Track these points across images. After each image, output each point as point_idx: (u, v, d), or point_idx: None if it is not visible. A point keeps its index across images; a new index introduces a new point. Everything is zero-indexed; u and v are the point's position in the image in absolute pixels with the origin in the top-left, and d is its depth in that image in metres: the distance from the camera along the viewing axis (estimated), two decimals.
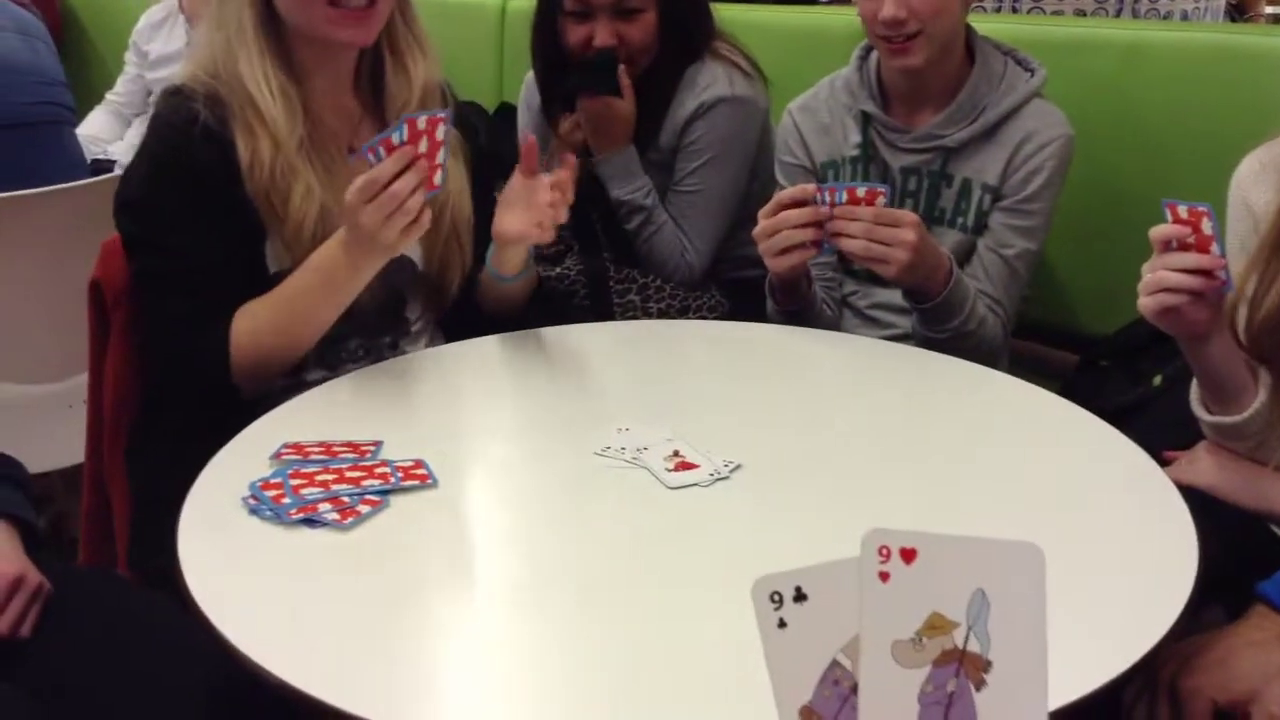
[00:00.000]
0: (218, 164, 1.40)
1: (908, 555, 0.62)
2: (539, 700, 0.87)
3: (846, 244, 1.48)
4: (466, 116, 1.69)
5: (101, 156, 2.96)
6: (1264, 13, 3.88)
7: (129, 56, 3.19)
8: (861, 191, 1.47)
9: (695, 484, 1.14)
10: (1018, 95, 1.70)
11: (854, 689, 0.63)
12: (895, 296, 1.71)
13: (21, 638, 1.13)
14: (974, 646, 0.63)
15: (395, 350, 1.55)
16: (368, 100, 1.55)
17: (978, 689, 0.63)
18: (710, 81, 1.93)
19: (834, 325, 1.76)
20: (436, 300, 1.60)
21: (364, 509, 1.08)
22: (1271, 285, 1.23)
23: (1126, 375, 1.68)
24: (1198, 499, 1.13)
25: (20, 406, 2.07)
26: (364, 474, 1.14)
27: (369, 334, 1.53)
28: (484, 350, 1.52)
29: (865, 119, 1.78)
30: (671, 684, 0.87)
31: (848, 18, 2.11)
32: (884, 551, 0.62)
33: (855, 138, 1.79)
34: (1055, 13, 2.43)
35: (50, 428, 2.02)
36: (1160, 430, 1.35)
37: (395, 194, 1.28)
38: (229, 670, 0.89)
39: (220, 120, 1.41)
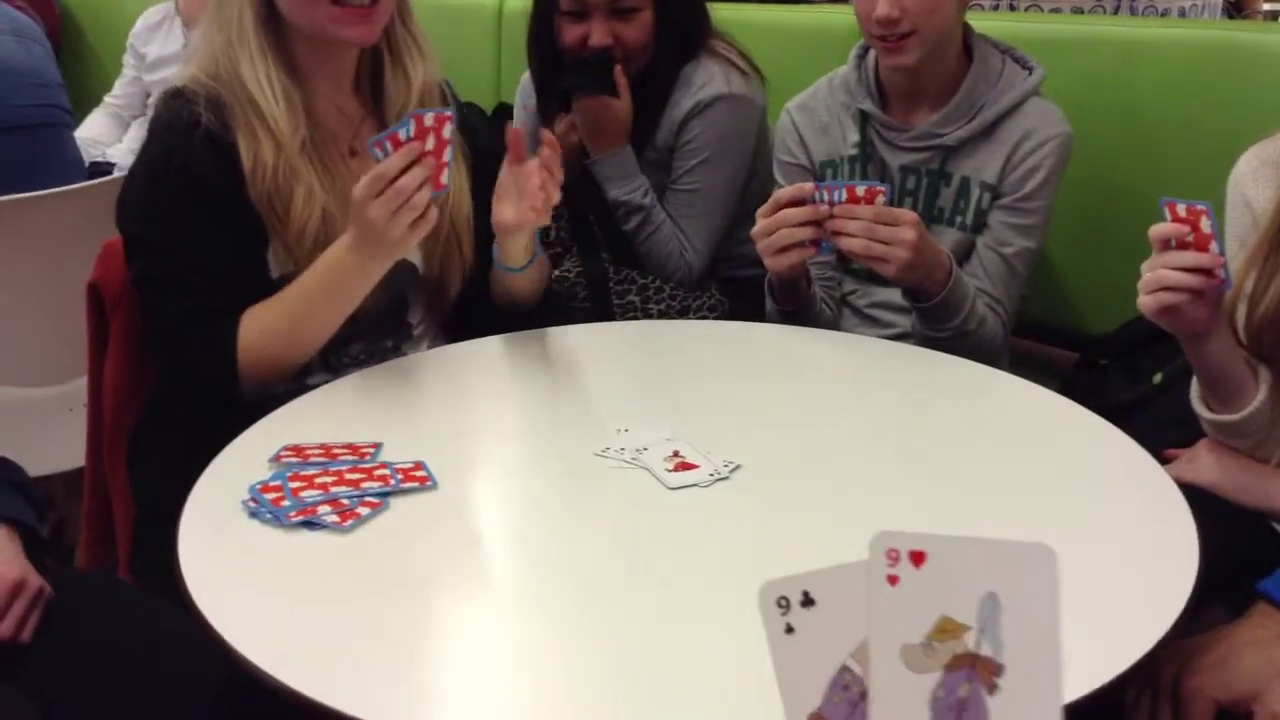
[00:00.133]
0: (220, 169, 1.39)
1: (917, 558, 0.62)
2: (539, 701, 0.86)
3: (846, 243, 1.48)
4: (466, 117, 1.69)
5: (100, 159, 2.96)
6: (1261, 9, 3.89)
7: (127, 59, 3.19)
8: (861, 190, 1.47)
9: (695, 484, 1.14)
10: (1016, 93, 1.70)
11: (864, 695, 0.63)
12: (895, 295, 1.71)
13: (22, 642, 1.13)
14: (986, 650, 0.62)
15: (398, 354, 1.55)
16: (368, 102, 1.55)
17: (990, 693, 0.62)
18: (707, 80, 1.93)
19: (833, 324, 1.76)
20: (438, 303, 1.60)
21: (364, 511, 1.08)
22: (1271, 282, 1.23)
23: (1126, 373, 1.68)
24: (1198, 497, 1.13)
25: (20, 410, 2.07)
26: (363, 476, 1.14)
27: (371, 338, 1.53)
28: (484, 351, 1.52)
29: (864, 118, 1.78)
30: (672, 684, 0.87)
31: (844, 17, 2.11)
32: (893, 554, 0.62)
33: (854, 136, 1.79)
34: (1053, 10, 2.43)
35: (51, 431, 2.02)
36: (1160, 428, 1.35)
37: (402, 189, 1.27)
38: (229, 673, 0.89)
39: (222, 124, 1.40)
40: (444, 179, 1.31)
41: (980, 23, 1.80)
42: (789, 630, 0.63)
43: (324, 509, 1.08)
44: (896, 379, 1.45)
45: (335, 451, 1.19)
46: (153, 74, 3.11)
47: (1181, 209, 1.16)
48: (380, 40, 1.49)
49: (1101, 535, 1.06)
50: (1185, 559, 1.00)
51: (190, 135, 1.39)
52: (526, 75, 2.12)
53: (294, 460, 1.18)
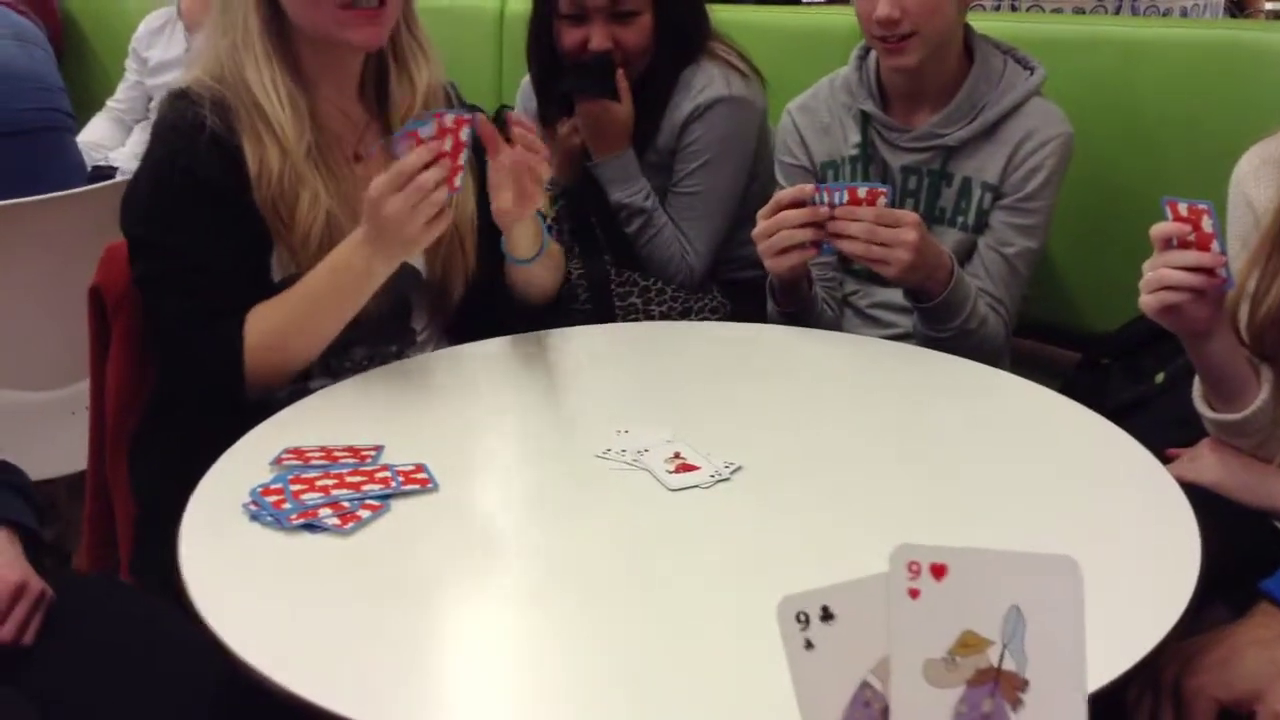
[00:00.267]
0: (225, 172, 1.39)
1: (938, 571, 0.60)
2: (540, 702, 0.86)
3: (847, 245, 1.48)
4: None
5: (102, 163, 2.97)
6: (1263, 8, 3.88)
7: (129, 63, 3.20)
8: (863, 192, 1.46)
9: (696, 486, 1.14)
10: (1017, 94, 1.70)
11: (885, 711, 0.62)
12: (896, 295, 1.71)
13: (24, 645, 1.13)
14: (1009, 665, 0.61)
15: (401, 359, 1.54)
16: (372, 107, 1.55)
17: (1014, 708, 0.61)
18: (707, 83, 1.93)
19: (835, 325, 1.76)
20: (441, 307, 1.59)
21: (364, 514, 1.08)
22: (1273, 282, 1.23)
23: (1128, 373, 1.68)
24: (1200, 497, 1.13)
25: (22, 413, 2.07)
26: (364, 479, 1.14)
27: (374, 342, 1.53)
28: (485, 353, 1.52)
29: (865, 118, 1.78)
30: (672, 685, 0.86)
31: (844, 18, 2.11)
32: (913, 567, 0.60)
33: (855, 137, 1.79)
34: (1054, 10, 2.43)
35: (53, 434, 2.03)
36: (1162, 428, 1.34)
37: (422, 185, 1.27)
38: (231, 676, 0.89)
39: (227, 126, 1.40)
40: (458, 181, 1.31)
41: (981, 23, 1.80)
42: (808, 646, 0.62)
43: (325, 511, 1.08)
44: (898, 380, 1.45)
45: (336, 454, 1.19)
46: (155, 78, 3.11)
47: (1183, 208, 1.16)
48: (386, 45, 1.49)
49: (1103, 535, 1.05)
50: (1187, 559, 0.99)
51: (195, 137, 1.39)
52: (527, 79, 2.12)
53: (295, 463, 1.17)
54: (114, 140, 3.17)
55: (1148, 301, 1.18)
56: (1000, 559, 0.61)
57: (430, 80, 1.53)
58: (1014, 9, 2.47)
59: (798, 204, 1.49)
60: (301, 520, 1.06)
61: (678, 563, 1.03)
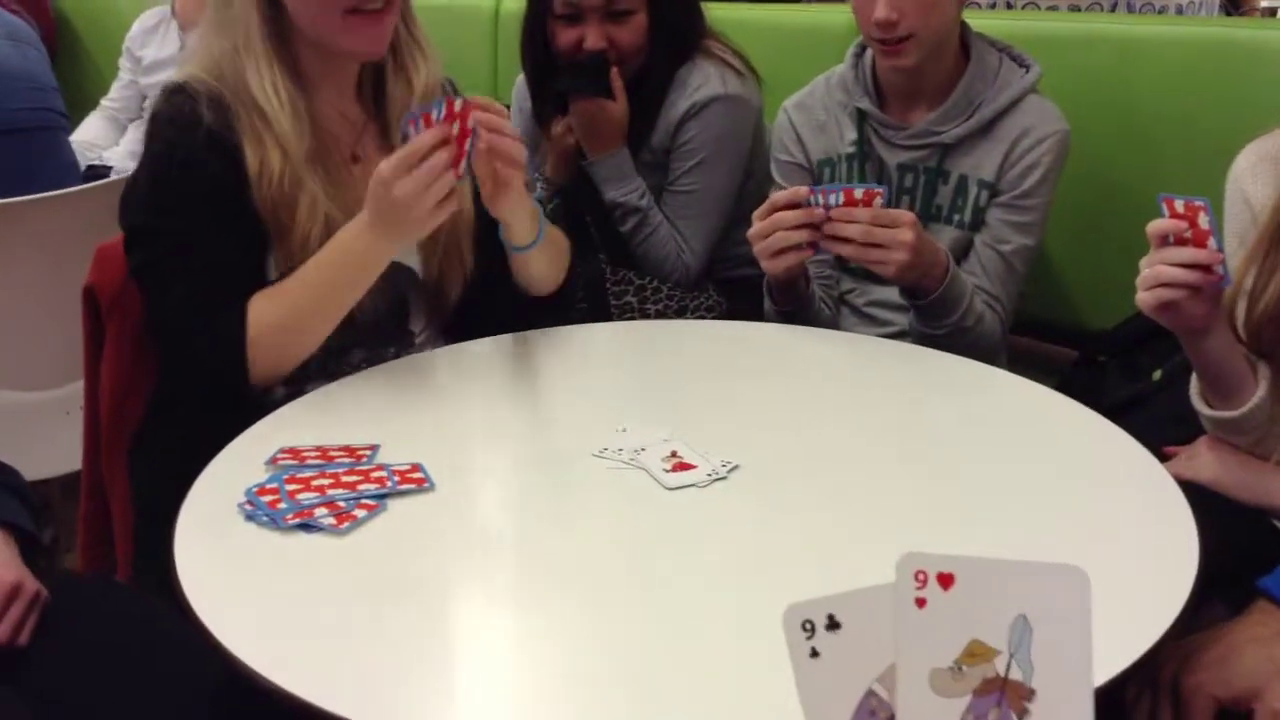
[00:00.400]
0: (224, 169, 1.38)
1: (945, 580, 0.60)
2: (538, 702, 0.86)
3: (843, 248, 1.48)
4: None
5: (96, 162, 2.96)
6: (1259, 6, 3.88)
7: (123, 62, 3.19)
8: (859, 193, 1.46)
9: (693, 485, 1.14)
10: (1013, 91, 1.70)
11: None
12: (893, 294, 1.71)
13: (19, 646, 1.13)
14: (1016, 675, 0.61)
15: None
16: (370, 107, 1.54)
17: (1020, 718, 0.61)
18: (702, 81, 1.93)
19: (832, 324, 1.76)
20: (438, 307, 1.58)
21: (360, 513, 1.08)
22: (1270, 279, 1.22)
23: (1125, 371, 1.68)
24: (1198, 494, 1.12)
25: (17, 413, 2.06)
26: (360, 478, 1.13)
27: (373, 345, 1.52)
28: (481, 352, 1.51)
29: (861, 116, 1.78)
30: (671, 684, 0.86)
31: (841, 16, 2.11)
32: (920, 576, 0.60)
33: (851, 135, 1.79)
34: (1050, 8, 2.43)
35: (48, 434, 2.02)
36: (1159, 425, 1.34)
37: (433, 166, 1.27)
38: (227, 676, 0.89)
39: (225, 125, 1.39)
40: (462, 168, 1.31)
41: (977, 21, 1.80)
42: (814, 654, 0.61)
43: (320, 511, 1.07)
44: (895, 378, 1.45)
45: (332, 453, 1.19)
46: (149, 77, 3.11)
47: (1180, 205, 1.16)
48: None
49: (1101, 533, 1.05)
50: (1185, 556, 0.99)
51: (193, 133, 1.38)
52: (521, 77, 2.11)
53: (290, 463, 1.17)
54: (108, 139, 3.17)
55: (1145, 298, 1.18)
56: (1007, 568, 0.61)
57: (428, 79, 1.52)
58: (1010, 6, 2.47)
59: (793, 205, 1.48)
60: (297, 520, 1.06)
61: (676, 562, 1.03)
